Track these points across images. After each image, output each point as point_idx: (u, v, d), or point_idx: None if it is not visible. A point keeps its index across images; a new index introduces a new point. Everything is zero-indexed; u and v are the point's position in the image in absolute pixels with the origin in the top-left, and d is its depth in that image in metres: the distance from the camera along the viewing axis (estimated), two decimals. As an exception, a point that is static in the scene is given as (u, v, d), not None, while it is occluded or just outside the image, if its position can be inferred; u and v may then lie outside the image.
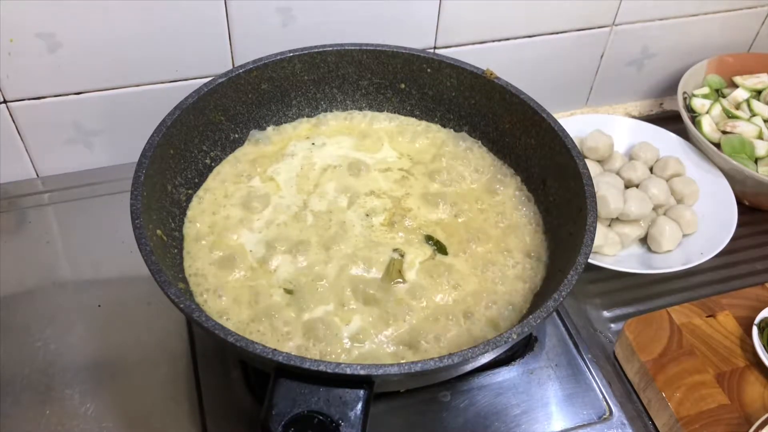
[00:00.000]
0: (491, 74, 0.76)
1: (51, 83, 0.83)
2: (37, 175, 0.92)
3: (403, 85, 0.82)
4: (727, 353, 0.73)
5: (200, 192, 0.74)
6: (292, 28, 0.87)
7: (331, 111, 0.84)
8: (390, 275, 0.67)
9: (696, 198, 0.90)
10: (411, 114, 0.84)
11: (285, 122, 0.82)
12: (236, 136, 0.79)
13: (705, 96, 1.01)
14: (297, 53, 0.77)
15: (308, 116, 0.83)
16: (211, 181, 0.76)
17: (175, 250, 0.68)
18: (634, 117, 1.06)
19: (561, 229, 0.70)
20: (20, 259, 0.82)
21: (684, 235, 0.86)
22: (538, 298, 0.67)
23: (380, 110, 0.84)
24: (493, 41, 0.97)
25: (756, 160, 0.93)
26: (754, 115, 0.98)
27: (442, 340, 0.63)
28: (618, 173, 0.91)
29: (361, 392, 0.51)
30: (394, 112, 0.84)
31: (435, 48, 0.95)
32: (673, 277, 0.85)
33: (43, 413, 0.68)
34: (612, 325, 0.81)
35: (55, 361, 0.72)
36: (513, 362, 0.75)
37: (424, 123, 0.84)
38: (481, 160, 0.80)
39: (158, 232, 0.65)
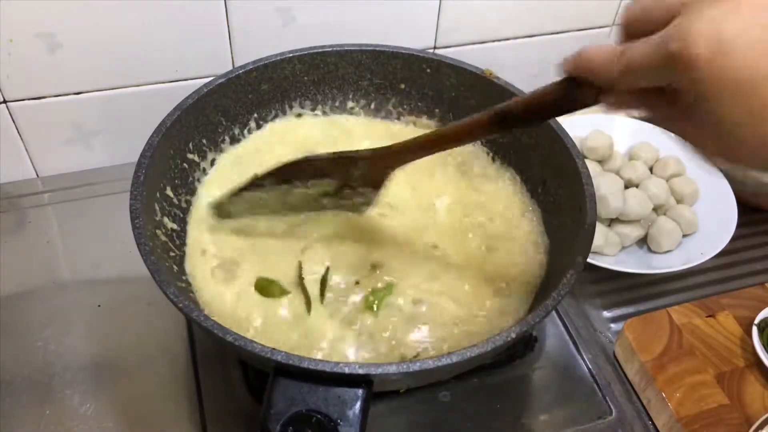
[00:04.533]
0: (491, 74, 0.76)
1: (51, 83, 0.83)
2: (37, 175, 0.92)
3: (403, 85, 0.82)
4: (727, 353, 0.73)
5: (200, 192, 0.74)
6: (292, 28, 0.87)
7: (331, 111, 0.84)
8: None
9: (696, 198, 0.90)
10: (411, 114, 0.84)
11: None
12: (236, 136, 0.79)
13: (705, 96, 1.00)
14: (297, 53, 0.77)
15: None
16: (211, 181, 0.76)
17: (176, 250, 0.68)
18: (634, 117, 1.05)
19: (561, 229, 0.70)
20: (20, 259, 0.82)
21: (684, 235, 0.86)
22: (538, 297, 0.67)
23: (380, 110, 0.84)
24: (493, 41, 0.97)
25: (756, 160, 0.93)
26: (754, 115, 0.98)
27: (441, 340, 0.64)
28: (618, 173, 0.91)
29: (360, 391, 0.51)
30: (394, 112, 0.84)
31: (435, 48, 0.95)
32: (673, 277, 0.85)
33: (43, 413, 0.68)
34: (612, 325, 0.81)
35: (55, 361, 0.72)
36: (513, 362, 0.75)
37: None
38: (479, 159, 0.80)
39: (158, 232, 0.65)
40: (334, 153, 0.65)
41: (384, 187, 0.66)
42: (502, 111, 0.55)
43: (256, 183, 0.68)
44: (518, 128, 0.58)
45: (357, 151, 0.65)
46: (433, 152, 0.62)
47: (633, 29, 0.44)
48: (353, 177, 0.66)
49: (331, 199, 0.69)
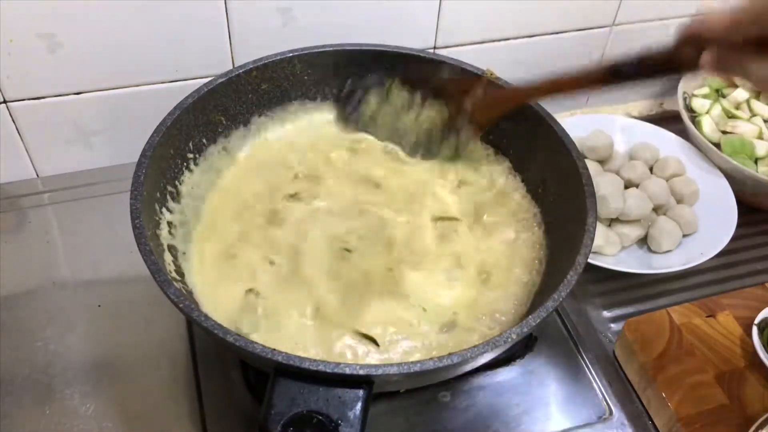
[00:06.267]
0: (491, 74, 0.76)
1: (51, 83, 0.83)
2: (37, 175, 0.92)
3: (403, 85, 0.82)
4: (727, 353, 0.73)
5: (200, 192, 0.74)
6: (292, 28, 0.87)
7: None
8: None
9: (696, 198, 0.90)
10: (411, 114, 0.84)
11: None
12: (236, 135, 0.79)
13: (705, 96, 1.01)
14: (297, 53, 0.77)
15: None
16: (211, 181, 0.76)
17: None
18: (634, 117, 1.06)
19: (561, 229, 0.70)
20: (20, 259, 0.82)
21: (684, 235, 0.86)
22: (538, 298, 0.67)
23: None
24: (493, 41, 0.97)
25: (756, 160, 0.93)
26: (754, 115, 0.98)
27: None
28: (618, 173, 0.91)
29: (360, 392, 0.51)
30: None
31: (435, 48, 0.95)
32: (673, 277, 0.85)
33: (43, 413, 0.68)
34: (612, 325, 0.81)
35: (55, 361, 0.72)
36: (513, 362, 0.75)
37: None
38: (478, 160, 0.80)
39: (158, 232, 0.65)
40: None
41: (483, 131, 0.72)
42: (617, 64, 0.61)
43: (383, 80, 0.75)
44: (629, 82, 0.63)
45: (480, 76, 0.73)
46: (549, 97, 0.69)
47: None
48: (466, 106, 0.71)
49: (434, 136, 0.75)
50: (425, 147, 0.78)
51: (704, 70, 0.55)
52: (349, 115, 0.80)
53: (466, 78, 0.73)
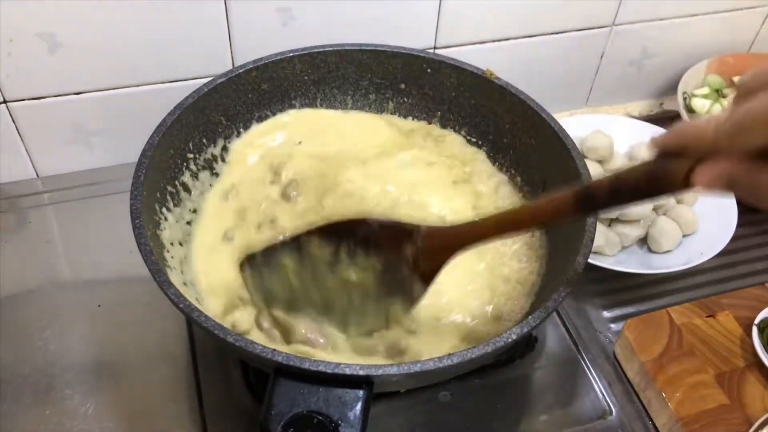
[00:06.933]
0: (491, 74, 0.76)
1: (51, 83, 0.83)
2: (37, 175, 0.92)
3: (403, 85, 0.82)
4: (727, 353, 0.73)
5: (200, 192, 0.74)
6: (292, 28, 0.87)
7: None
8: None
9: (696, 198, 0.90)
10: (410, 114, 0.84)
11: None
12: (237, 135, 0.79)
13: (705, 96, 1.01)
14: (297, 53, 0.77)
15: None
16: (211, 181, 0.76)
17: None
18: (634, 117, 1.06)
19: (561, 230, 0.70)
20: (20, 259, 0.82)
21: (684, 235, 0.86)
22: (538, 298, 0.67)
23: (381, 111, 0.84)
24: (493, 41, 0.97)
25: (756, 160, 0.93)
26: (754, 115, 0.98)
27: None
28: (618, 173, 0.91)
29: (361, 392, 0.51)
30: (395, 113, 0.84)
31: (435, 48, 0.95)
32: (673, 277, 0.85)
33: (43, 413, 0.68)
34: (612, 325, 0.81)
35: (55, 361, 0.72)
36: (513, 362, 0.75)
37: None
38: (477, 161, 0.80)
39: (158, 232, 0.65)
40: (391, 219, 0.61)
41: (434, 281, 0.60)
42: (585, 194, 0.52)
43: (298, 240, 0.63)
44: (602, 211, 0.54)
45: (418, 225, 0.60)
46: (503, 236, 0.59)
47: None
48: (405, 256, 0.60)
49: (370, 295, 0.62)
50: (359, 315, 0.63)
51: (700, 189, 0.43)
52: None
53: (400, 225, 0.61)
